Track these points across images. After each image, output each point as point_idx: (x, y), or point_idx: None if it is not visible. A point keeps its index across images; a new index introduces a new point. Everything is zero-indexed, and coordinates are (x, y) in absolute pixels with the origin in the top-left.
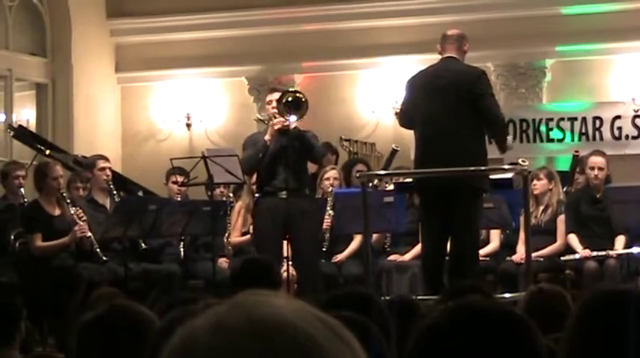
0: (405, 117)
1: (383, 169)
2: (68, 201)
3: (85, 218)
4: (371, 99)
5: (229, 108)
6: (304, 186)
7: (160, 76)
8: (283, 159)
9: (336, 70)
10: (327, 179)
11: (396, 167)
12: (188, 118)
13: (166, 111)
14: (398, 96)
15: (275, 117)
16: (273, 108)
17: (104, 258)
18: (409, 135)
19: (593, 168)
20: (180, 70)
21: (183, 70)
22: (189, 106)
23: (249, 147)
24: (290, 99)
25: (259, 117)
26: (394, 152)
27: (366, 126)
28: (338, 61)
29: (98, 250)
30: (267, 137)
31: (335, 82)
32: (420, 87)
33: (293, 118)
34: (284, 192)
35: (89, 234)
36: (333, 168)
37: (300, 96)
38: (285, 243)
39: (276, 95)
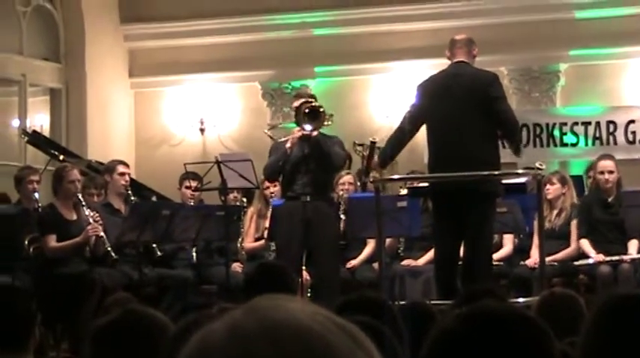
0: (412, 121)
1: (366, 165)
2: (84, 204)
3: (100, 221)
4: (384, 103)
5: (242, 113)
6: (325, 191)
7: (174, 81)
8: (303, 166)
9: (349, 75)
10: (342, 184)
11: (409, 171)
12: (201, 123)
13: (180, 116)
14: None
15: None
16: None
17: (114, 257)
18: (422, 139)
19: (603, 173)
20: (194, 75)
21: (197, 74)
22: (202, 111)
23: (273, 154)
24: (307, 110)
25: (266, 132)
26: (373, 145)
27: (380, 131)
28: (351, 66)
29: (110, 249)
30: (288, 145)
31: (348, 87)
32: (432, 91)
33: (308, 128)
34: (304, 197)
35: (102, 233)
36: (348, 173)
37: (317, 106)
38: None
39: (300, 100)
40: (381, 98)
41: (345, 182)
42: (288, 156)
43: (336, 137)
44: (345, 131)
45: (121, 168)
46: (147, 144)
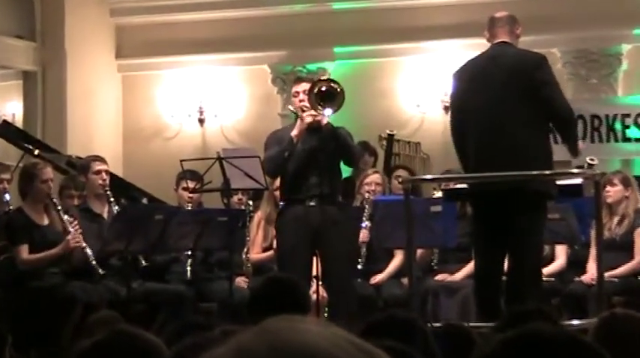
0: (456, 116)
1: (385, 160)
2: (59, 207)
3: (78, 228)
4: (415, 90)
5: (249, 100)
6: (337, 192)
7: (168, 64)
8: (313, 161)
9: (374, 57)
10: (368, 184)
11: (445, 171)
12: (201, 113)
13: (175, 105)
14: (447, 86)
15: (303, 111)
16: (300, 101)
17: (101, 272)
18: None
19: None
20: (192, 57)
21: (196, 56)
22: (202, 99)
23: (272, 146)
24: (323, 88)
25: (291, 109)
26: (390, 138)
27: (410, 123)
28: (377, 46)
29: (94, 262)
30: (294, 133)
31: (373, 71)
32: (470, 78)
33: (328, 112)
34: (313, 200)
35: (84, 244)
36: (376, 172)
37: (335, 85)
38: (314, 259)
39: (304, 85)
40: (412, 84)
41: (372, 182)
42: (295, 145)
43: (343, 128)
44: (369, 122)
45: (96, 166)
46: (137, 136)
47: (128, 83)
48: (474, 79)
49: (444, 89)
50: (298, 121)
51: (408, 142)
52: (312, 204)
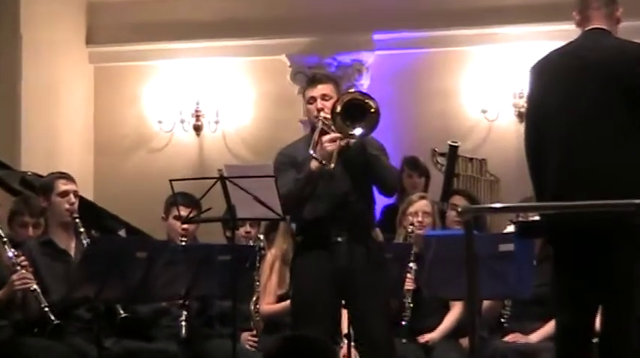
0: (533, 125)
1: (445, 183)
2: (5, 239)
3: (27, 265)
4: (481, 91)
5: (261, 102)
6: (372, 224)
7: (156, 53)
8: (340, 188)
9: (424, 46)
10: (413, 214)
11: (522, 199)
12: (197, 118)
13: (164, 107)
14: (523, 86)
15: (323, 123)
16: (318, 109)
17: (55, 322)
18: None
19: None
20: (186, 44)
21: (191, 43)
22: (199, 99)
23: (284, 171)
24: (347, 99)
25: (306, 120)
26: (453, 150)
27: (473, 133)
28: (429, 32)
29: (47, 309)
30: (314, 165)
31: (424, 65)
32: (553, 76)
33: (359, 131)
34: (341, 234)
35: (34, 286)
36: (423, 197)
37: (362, 97)
38: (343, 313)
39: (320, 88)
40: (476, 82)
41: (419, 211)
42: (318, 178)
43: (376, 140)
44: (419, 132)
45: (61, 186)
46: (113, 148)
47: (102, 77)
48: (558, 78)
49: (519, 89)
50: (317, 145)
51: (471, 159)
52: (339, 239)
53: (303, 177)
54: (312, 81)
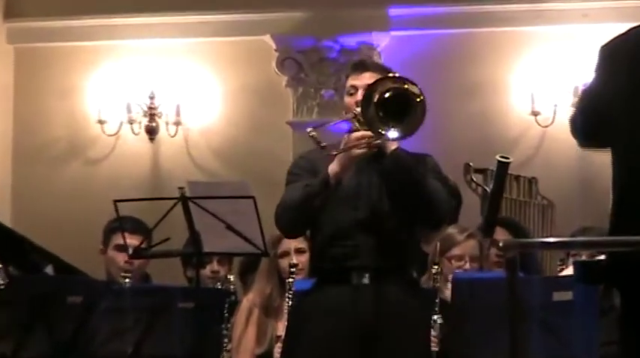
0: (591, 117)
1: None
2: None
3: None
4: (531, 86)
5: (236, 96)
6: (409, 263)
7: (94, 30)
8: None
9: (457, 26)
10: (457, 258)
11: (583, 228)
12: (151, 116)
13: (107, 101)
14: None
15: (354, 119)
16: (358, 104)
17: None
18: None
19: None
20: (135, 19)
21: (141, 17)
22: (153, 91)
23: (298, 180)
24: (388, 94)
25: (311, 132)
26: (503, 169)
27: (520, 143)
28: (461, 7)
29: None
30: (333, 168)
31: (456, 51)
32: (628, 61)
33: (393, 134)
34: (366, 275)
35: None
36: (471, 236)
37: (409, 88)
38: None
39: (368, 77)
40: (525, 75)
41: (466, 255)
42: (334, 187)
43: (430, 156)
44: (448, 140)
45: None
46: (38, 155)
47: (25, 61)
48: (635, 62)
49: (582, 83)
50: (343, 146)
51: (517, 177)
52: (364, 281)
53: (316, 182)
54: (358, 66)
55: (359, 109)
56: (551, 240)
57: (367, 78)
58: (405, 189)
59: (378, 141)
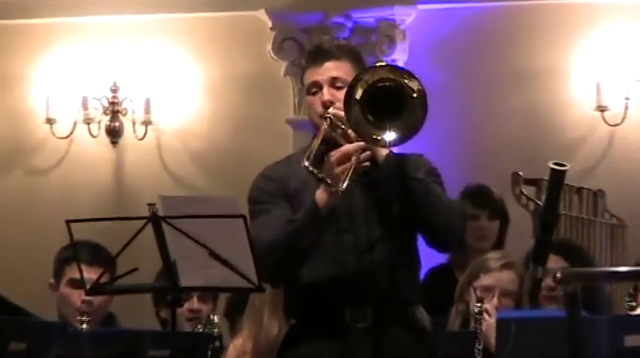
0: None
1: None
2: None
3: None
4: (596, 75)
5: (222, 87)
6: (413, 297)
7: (41, 5)
8: (356, 235)
9: None
10: (486, 289)
11: None
12: (113, 114)
13: (58, 94)
14: None
15: (332, 124)
16: (325, 104)
17: None
18: None
19: None
20: None
21: None
22: (116, 81)
23: (268, 208)
24: (375, 79)
25: (307, 166)
26: (558, 177)
27: (583, 147)
28: None
29: None
30: (321, 195)
31: (500, 30)
32: None
33: (391, 137)
34: (364, 318)
35: None
36: (508, 266)
37: (397, 77)
38: None
39: (329, 68)
40: (587, 61)
41: (497, 287)
42: (327, 219)
43: (422, 156)
44: (490, 144)
45: None
46: None
47: None
48: None
49: None
50: (327, 165)
51: (579, 190)
52: (359, 325)
53: (302, 216)
54: (316, 54)
55: (332, 110)
56: (622, 269)
57: (328, 69)
58: (410, 205)
59: (368, 152)
